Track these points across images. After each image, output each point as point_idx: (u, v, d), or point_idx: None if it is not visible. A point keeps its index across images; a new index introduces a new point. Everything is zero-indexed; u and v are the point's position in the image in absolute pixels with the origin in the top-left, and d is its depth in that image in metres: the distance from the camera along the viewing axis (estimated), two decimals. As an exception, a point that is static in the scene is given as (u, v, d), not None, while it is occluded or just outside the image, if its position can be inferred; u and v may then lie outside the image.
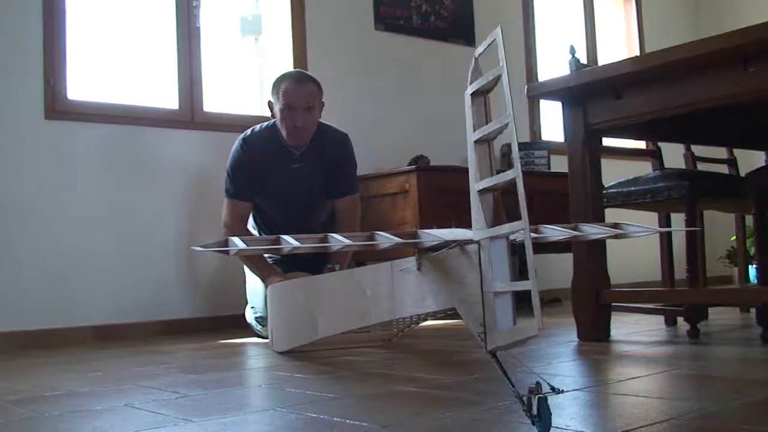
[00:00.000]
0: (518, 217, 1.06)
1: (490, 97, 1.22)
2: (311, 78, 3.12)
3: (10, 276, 3.20)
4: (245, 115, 3.95)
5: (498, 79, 1.13)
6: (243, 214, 3.14)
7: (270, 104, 3.11)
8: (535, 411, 1.15)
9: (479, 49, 1.19)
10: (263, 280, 2.95)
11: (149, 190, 3.58)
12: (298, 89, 3.02)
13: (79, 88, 3.50)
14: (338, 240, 1.30)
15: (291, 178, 3.10)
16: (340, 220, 3.18)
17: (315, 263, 3.05)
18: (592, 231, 1.54)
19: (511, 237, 1.21)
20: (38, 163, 3.31)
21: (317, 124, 3.08)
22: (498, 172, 1.16)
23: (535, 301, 1.01)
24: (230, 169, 3.13)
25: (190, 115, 3.75)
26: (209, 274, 3.69)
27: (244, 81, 4.18)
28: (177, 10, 3.78)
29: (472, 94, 1.20)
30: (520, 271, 3.58)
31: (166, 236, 3.59)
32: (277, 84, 3.08)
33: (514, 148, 1.08)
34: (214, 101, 3.89)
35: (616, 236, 1.54)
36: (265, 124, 3.17)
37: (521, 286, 1.10)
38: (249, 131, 3.17)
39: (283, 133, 3.05)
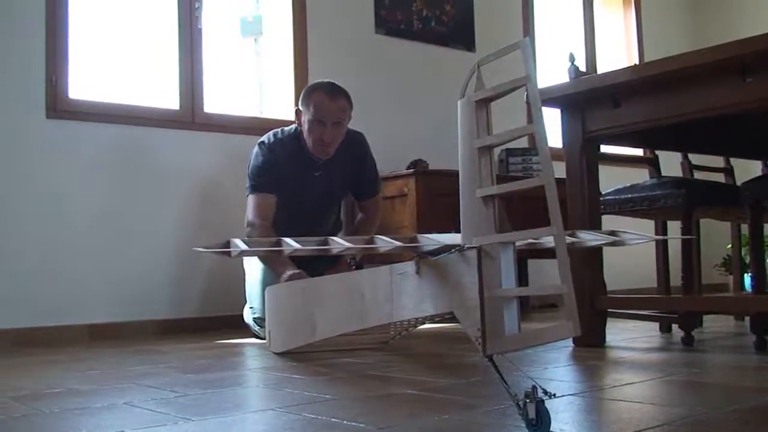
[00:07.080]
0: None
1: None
2: (343, 92, 3.04)
3: (7, 273, 3.21)
4: (245, 117, 3.97)
5: (513, 88, 1.15)
6: (269, 206, 3.04)
7: (298, 112, 3.06)
8: (533, 415, 1.17)
9: (490, 56, 1.21)
10: (279, 276, 2.84)
11: (149, 190, 3.60)
12: (331, 104, 2.97)
13: (81, 87, 3.51)
14: (339, 243, 1.32)
15: (311, 185, 3.09)
16: (365, 216, 3.33)
17: (323, 264, 3.05)
18: (591, 237, 1.56)
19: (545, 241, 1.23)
20: (39, 162, 3.32)
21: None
22: (498, 179, 1.18)
23: (571, 304, 1.03)
24: (253, 169, 3.09)
25: (190, 115, 3.77)
26: (208, 274, 3.70)
27: (245, 82, 4.19)
28: (179, 11, 3.79)
29: (476, 101, 1.22)
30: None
31: (164, 235, 3.60)
32: (308, 94, 3.03)
33: (543, 155, 1.09)
34: (215, 102, 3.91)
35: (614, 243, 1.56)
36: (286, 130, 3.14)
37: (554, 289, 1.12)
38: (270, 137, 3.12)
39: (309, 143, 3.03)
